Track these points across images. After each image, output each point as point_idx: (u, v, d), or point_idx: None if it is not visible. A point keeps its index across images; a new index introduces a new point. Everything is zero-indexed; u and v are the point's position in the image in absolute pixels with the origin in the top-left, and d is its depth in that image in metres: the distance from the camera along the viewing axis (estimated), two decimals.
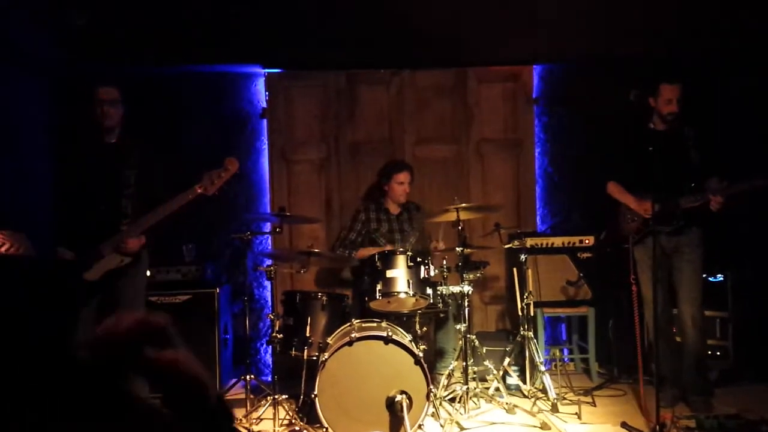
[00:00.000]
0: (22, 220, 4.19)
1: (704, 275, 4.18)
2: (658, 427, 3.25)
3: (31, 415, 0.77)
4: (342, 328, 3.75)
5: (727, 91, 5.00)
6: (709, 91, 4.84)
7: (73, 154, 3.63)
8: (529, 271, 4.42)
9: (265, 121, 5.26)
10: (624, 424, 3.65)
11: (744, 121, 4.91)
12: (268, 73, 5.22)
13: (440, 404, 3.91)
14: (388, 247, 4.36)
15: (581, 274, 4.74)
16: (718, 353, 4.56)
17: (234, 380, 4.28)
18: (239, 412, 3.91)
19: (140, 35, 4.64)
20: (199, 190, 3.48)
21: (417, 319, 3.99)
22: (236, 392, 4.28)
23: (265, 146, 5.27)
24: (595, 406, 4.09)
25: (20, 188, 4.30)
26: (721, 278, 4.59)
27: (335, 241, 4.88)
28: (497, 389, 4.14)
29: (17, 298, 0.91)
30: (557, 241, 4.86)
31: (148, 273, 4.54)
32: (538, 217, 5.37)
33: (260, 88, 5.28)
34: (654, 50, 4.96)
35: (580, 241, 4.84)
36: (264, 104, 5.26)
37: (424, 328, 4.10)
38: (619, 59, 5.06)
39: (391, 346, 3.46)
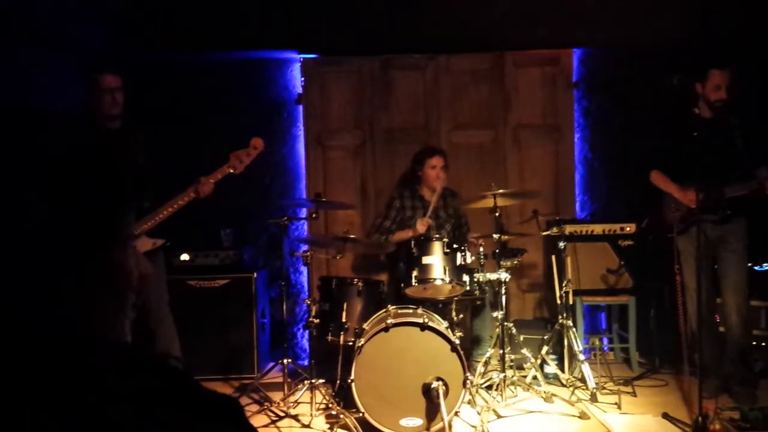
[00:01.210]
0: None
1: (749, 264, 4.07)
2: (700, 418, 3.17)
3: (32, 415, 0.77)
4: (378, 314, 3.74)
5: None
6: (755, 77, 4.66)
7: (81, 142, 3.65)
8: (568, 259, 4.34)
9: (300, 107, 5.27)
10: (665, 415, 3.57)
11: None
12: (303, 59, 5.22)
13: (477, 392, 3.89)
14: (420, 227, 4.29)
15: (622, 262, 4.65)
16: (764, 344, 4.43)
17: (271, 364, 4.32)
18: (276, 396, 3.95)
19: (178, 22, 4.69)
20: (228, 170, 3.61)
21: (453, 306, 3.96)
22: (274, 376, 4.32)
23: (301, 132, 5.27)
24: (635, 396, 4.02)
25: None
26: (767, 267, 4.45)
27: (370, 228, 4.87)
28: (535, 378, 4.09)
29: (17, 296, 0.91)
30: (597, 229, 4.77)
31: (188, 257, 4.64)
32: (577, 204, 5.28)
33: (296, 74, 5.28)
34: (699, 34, 4.81)
35: (621, 229, 4.74)
36: (300, 90, 5.26)
37: (461, 315, 4.06)
38: (663, 43, 4.92)
39: (427, 332, 3.44)
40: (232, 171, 3.60)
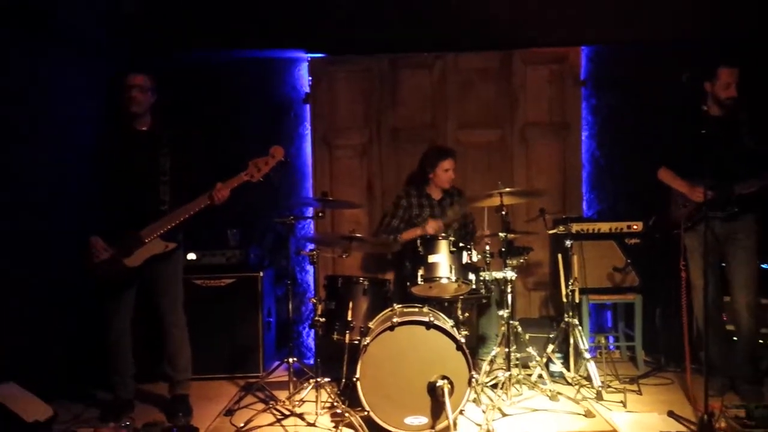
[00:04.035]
0: (64, 204, 4.30)
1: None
2: (706, 416, 3.16)
3: None
4: (384, 312, 3.76)
5: None
6: (764, 74, 4.63)
7: (107, 141, 3.69)
8: (575, 257, 4.35)
9: (308, 107, 5.28)
10: (671, 413, 3.57)
11: None
12: (311, 58, 5.23)
13: (482, 390, 3.89)
14: (431, 229, 4.32)
15: (629, 261, 4.64)
16: None
17: (277, 363, 4.35)
18: (282, 394, 3.97)
19: (186, 21, 4.72)
20: (245, 178, 3.58)
21: (459, 305, 3.97)
22: (279, 375, 4.35)
23: (308, 132, 5.29)
24: (641, 394, 4.01)
25: (68, 173, 4.39)
26: None
27: (378, 227, 4.88)
28: (540, 376, 4.09)
29: None
30: (604, 227, 4.75)
31: (194, 256, 4.65)
32: (584, 203, 5.26)
33: (303, 73, 5.29)
34: (707, 31, 4.78)
35: (628, 227, 4.73)
36: (307, 89, 5.27)
37: (466, 314, 4.08)
38: (671, 41, 4.90)
39: (432, 331, 3.45)
40: (249, 179, 3.56)
